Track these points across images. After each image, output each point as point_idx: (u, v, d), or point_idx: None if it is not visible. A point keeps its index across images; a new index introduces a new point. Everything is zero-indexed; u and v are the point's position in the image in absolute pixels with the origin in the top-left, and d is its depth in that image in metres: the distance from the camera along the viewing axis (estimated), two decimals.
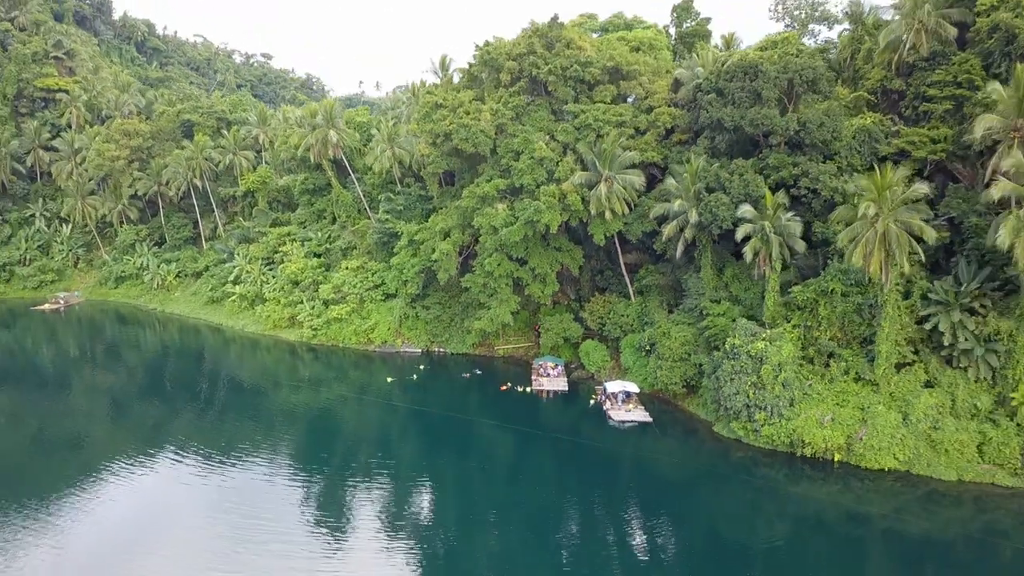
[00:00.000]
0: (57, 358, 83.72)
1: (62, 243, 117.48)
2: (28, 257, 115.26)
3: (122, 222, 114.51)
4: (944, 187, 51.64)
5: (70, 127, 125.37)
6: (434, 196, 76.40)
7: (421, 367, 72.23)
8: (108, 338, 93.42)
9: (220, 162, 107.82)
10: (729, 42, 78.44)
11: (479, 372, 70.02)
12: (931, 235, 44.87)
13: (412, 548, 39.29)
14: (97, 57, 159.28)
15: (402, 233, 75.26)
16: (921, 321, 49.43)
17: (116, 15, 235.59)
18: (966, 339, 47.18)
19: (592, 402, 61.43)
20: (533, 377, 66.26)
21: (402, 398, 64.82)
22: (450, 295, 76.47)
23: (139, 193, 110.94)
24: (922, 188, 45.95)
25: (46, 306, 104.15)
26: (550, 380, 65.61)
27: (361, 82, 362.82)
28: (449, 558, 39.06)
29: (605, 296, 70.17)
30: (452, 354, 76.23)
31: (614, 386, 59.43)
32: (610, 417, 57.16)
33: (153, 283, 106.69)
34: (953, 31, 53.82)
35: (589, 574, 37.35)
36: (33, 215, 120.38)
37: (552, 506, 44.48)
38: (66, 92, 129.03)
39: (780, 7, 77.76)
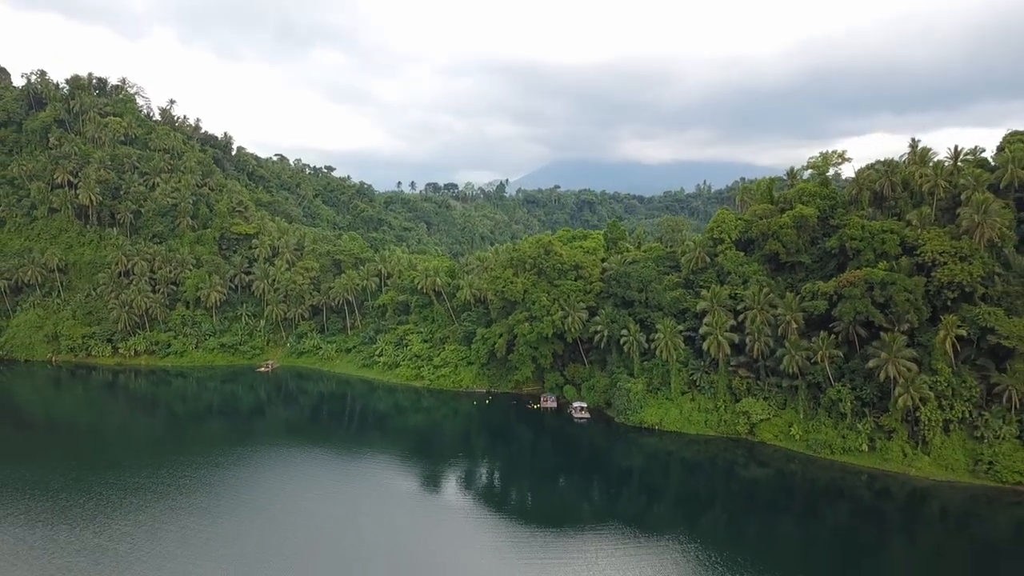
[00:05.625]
0: (269, 396, 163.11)
1: (260, 331, 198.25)
2: (241, 340, 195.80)
3: (299, 319, 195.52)
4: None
5: (257, 259, 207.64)
6: (492, 315, 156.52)
7: (489, 399, 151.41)
8: (299, 386, 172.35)
9: (359, 284, 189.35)
10: (640, 238, 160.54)
11: (530, 403, 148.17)
12: (681, 346, 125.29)
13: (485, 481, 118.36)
14: (262, 209, 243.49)
15: (477, 333, 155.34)
16: (692, 374, 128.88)
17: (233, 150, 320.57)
18: (704, 383, 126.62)
19: (568, 412, 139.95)
20: (541, 401, 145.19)
21: (478, 412, 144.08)
22: (501, 362, 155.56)
23: (313, 303, 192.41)
24: (679, 327, 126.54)
25: (262, 368, 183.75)
26: (548, 403, 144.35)
27: (399, 183, 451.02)
28: (495, 482, 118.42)
29: (574, 364, 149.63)
30: (502, 392, 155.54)
31: (577, 404, 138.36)
32: (573, 417, 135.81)
33: (322, 355, 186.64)
34: (708, 259, 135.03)
35: (566, 478, 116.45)
36: (240, 314, 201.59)
37: (549, 455, 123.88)
38: (255, 236, 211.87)
39: (659, 228, 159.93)
